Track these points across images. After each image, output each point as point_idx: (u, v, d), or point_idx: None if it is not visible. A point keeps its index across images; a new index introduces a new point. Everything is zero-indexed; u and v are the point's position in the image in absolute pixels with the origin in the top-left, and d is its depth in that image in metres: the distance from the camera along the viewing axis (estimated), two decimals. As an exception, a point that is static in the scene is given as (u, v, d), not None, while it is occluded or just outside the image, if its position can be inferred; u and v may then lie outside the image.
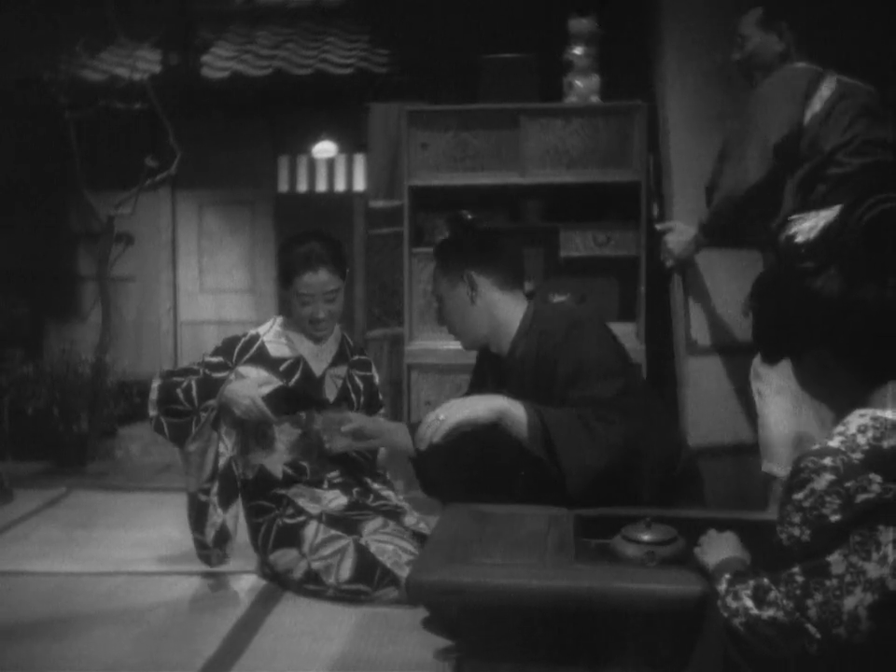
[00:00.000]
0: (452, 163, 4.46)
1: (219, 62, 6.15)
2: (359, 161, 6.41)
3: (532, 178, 4.43)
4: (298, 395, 3.05)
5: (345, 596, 2.86)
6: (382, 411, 3.25)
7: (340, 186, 6.63)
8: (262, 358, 3.08)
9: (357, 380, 3.20)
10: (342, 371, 3.17)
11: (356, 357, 3.24)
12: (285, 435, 3.08)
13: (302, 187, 6.65)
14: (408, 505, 3.15)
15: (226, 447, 2.98)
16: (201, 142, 5.80)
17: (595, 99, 4.46)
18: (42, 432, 5.12)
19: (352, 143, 6.25)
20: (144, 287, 6.49)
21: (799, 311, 1.46)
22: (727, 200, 3.28)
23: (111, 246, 5.76)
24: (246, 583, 3.08)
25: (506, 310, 2.61)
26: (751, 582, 1.42)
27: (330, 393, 3.13)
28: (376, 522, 2.97)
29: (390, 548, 2.87)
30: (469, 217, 4.52)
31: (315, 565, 2.90)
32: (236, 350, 3.08)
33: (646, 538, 1.93)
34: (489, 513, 2.23)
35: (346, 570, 2.86)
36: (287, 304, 3.14)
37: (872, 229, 1.38)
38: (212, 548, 3.02)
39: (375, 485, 3.15)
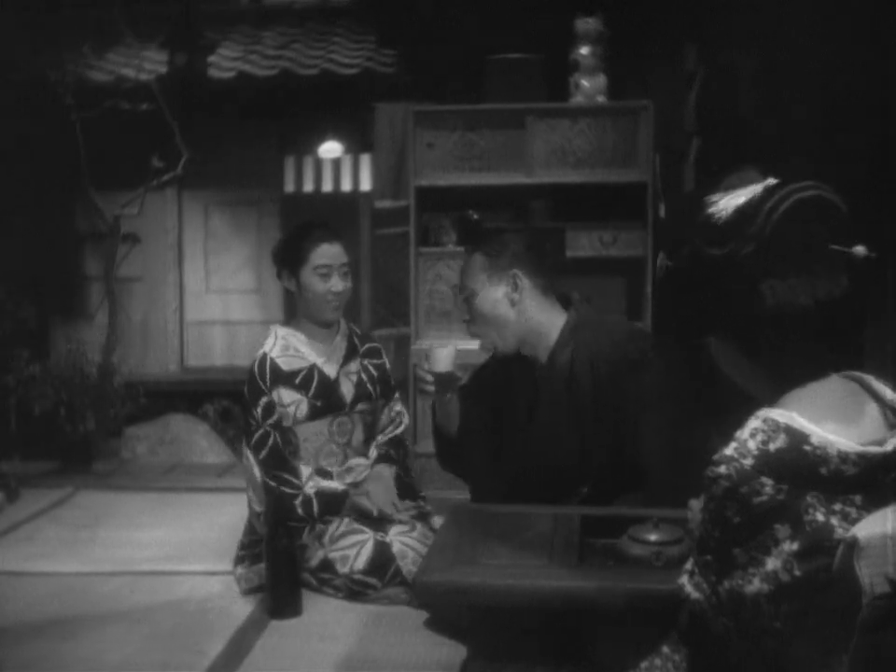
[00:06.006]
0: (458, 163, 4.46)
1: (226, 62, 6.14)
2: (365, 162, 6.39)
3: (538, 178, 4.43)
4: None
5: (355, 588, 2.86)
6: (396, 395, 3.27)
7: (346, 186, 6.61)
8: (278, 376, 3.03)
9: (372, 369, 3.19)
10: (355, 366, 3.16)
11: (366, 346, 3.22)
12: (310, 443, 3.07)
13: (308, 187, 6.63)
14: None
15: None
16: (207, 142, 5.79)
17: (601, 99, 4.45)
18: (48, 432, 5.12)
19: (358, 143, 6.23)
20: (150, 287, 6.48)
21: (702, 295, 1.42)
22: None
23: (117, 247, 5.76)
24: (253, 583, 3.08)
25: (546, 316, 2.54)
26: (686, 566, 1.46)
27: (347, 392, 3.11)
28: (403, 525, 2.99)
29: (411, 554, 2.88)
30: (476, 217, 4.52)
31: (332, 554, 2.91)
32: (258, 380, 3.00)
33: (653, 538, 1.93)
34: (495, 514, 2.23)
35: (362, 562, 2.87)
36: (294, 303, 3.12)
37: (784, 220, 1.31)
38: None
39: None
